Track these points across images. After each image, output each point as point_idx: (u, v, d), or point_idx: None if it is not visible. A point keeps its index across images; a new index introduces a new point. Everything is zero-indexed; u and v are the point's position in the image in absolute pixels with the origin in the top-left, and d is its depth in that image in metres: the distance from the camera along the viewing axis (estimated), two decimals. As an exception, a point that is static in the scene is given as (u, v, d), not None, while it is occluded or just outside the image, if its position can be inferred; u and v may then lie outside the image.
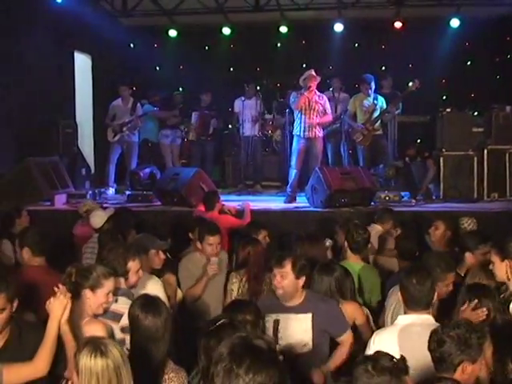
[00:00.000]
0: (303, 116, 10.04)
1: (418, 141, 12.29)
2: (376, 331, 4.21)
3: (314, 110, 10.06)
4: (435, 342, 3.34)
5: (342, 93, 12.01)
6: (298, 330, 4.48)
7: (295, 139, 10.22)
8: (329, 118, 10.48)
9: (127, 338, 3.95)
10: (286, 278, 4.47)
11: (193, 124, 12.39)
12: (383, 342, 3.89)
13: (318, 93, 10.20)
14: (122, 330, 4.20)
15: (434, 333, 3.39)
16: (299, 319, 4.49)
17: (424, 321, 3.87)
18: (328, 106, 10.37)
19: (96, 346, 3.08)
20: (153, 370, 3.55)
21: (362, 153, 10.71)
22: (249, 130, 12.13)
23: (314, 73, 10.12)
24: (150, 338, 3.63)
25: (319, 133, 10.20)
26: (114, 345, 3.14)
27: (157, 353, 3.60)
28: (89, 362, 3.04)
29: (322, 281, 4.82)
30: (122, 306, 4.33)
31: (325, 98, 10.39)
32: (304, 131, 10.05)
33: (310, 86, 9.98)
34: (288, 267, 4.47)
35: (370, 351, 3.94)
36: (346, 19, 13.59)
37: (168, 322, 3.71)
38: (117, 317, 4.31)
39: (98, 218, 7.24)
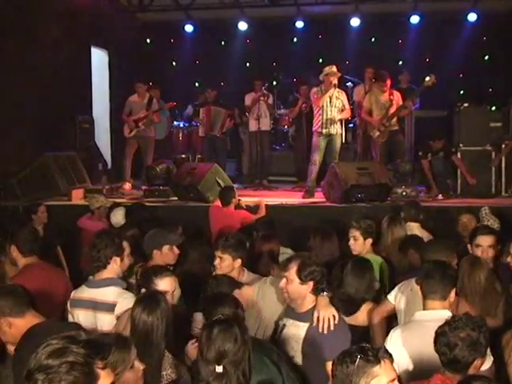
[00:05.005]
0: (323, 112, 10.01)
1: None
2: (394, 327, 4.19)
3: (334, 107, 10.04)
4: (446, 345, 3.32)
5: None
6: (292, 338, 4.17)
7: (315, 135, 10.19)
8: (348, 113, 10.48)
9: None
10: (290, 283, 4.15)
11: (200, 120, 12.44)
12: (401, 338, 3.90)
13: (337, 88, 10.16)
14: (118, 319, 4.30)
15: (441, 335, 3.36)
16: (296, 327, 4.15)
17: (442, 316, 3.84)
18: (346, 101, 10.36)
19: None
20: (151, 367, 3.53)
21: (379, 148, 10.66)
22: (254, 125, 12.07)
23: (335, 69, 10.08)
24: (147, 334, 3.63)
25: (339, 129, 10.19)
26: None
27: (154, 349, 3.59)
28: None
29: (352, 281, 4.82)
30: (113, 296, 4.47)
31: (344, 93, 10.37)
32: (324, 128, 10.03)
33: (334, 84, 9.95)
34: (292, 271, 4.15)
35: (387, 347, 3.95)
36: (363, 13, 13.56)
37: (166, 319, 3.69)
38: (110, 307, 4.43)
39: (120, 216, 7.42)
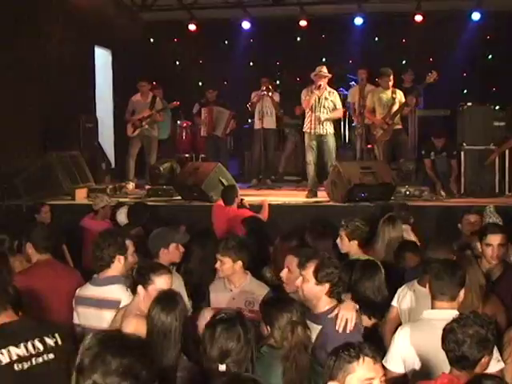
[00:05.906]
0: (312, 113, 9.98)
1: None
2: (401, 325, 4.17)
3: (323, 107, 10.01)
4: (454, 342, 3.32)
5: (368, 84, 11.90)
6: None
7: (306, 136, 10.17)
8: (339, 113, 10.42)
9: None
10: (306, 282, 4.05)
11: (202, 120, 12.46)
12: (408, 335, 3.89)
13: (328, 89, 10.12)
14: (115, 315, 4.29)
15: (449, 332, 3.35)
16: (310, 328, 3.93)
17: (450, 316, 3.81)
18: (339, 101, 10.27)
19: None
20: (166, 367, 3.51)
21: (382, 147, 10.65)
22: (258, 124, 12.03)
23: (324, 70, 10.05)
24: (165, 334, 3.59)
25: (330, 129, 10.12)
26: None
27: (171, 350, 3.57)
28: None
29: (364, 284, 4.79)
30: (117, 293, 4.49)
31: (335, 93, 10.28)
32: (313, 128, 10.00)
33: (319, 85, 9.94)
34: (309, 271, 4.04)
35: (394, 346, 3.95)
36: (366, 13, 13.55)
37: (183, 319, 3.67)
38: (114, 305, 4.44)
39: (125, 215, 7.43)
